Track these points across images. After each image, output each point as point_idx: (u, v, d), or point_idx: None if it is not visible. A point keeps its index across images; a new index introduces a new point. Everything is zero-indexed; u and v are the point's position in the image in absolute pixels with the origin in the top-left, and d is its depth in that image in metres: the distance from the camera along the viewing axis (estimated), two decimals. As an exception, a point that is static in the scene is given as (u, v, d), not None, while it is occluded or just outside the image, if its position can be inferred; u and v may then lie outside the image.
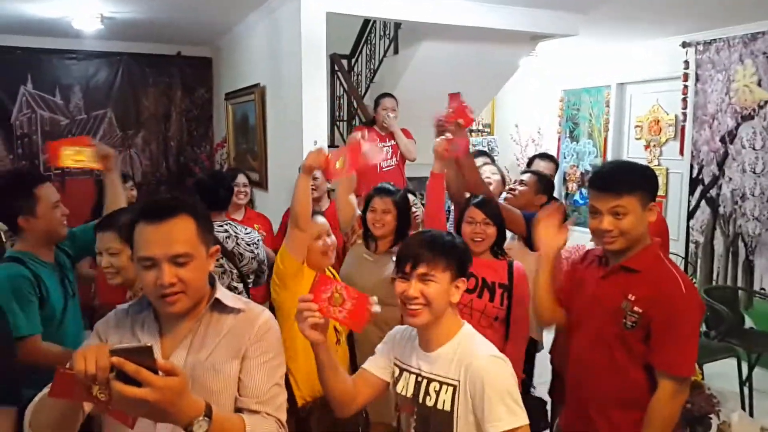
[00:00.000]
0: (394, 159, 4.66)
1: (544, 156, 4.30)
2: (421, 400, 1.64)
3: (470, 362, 1.58)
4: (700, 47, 5.12)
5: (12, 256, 2.20)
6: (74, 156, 2.37)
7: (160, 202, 1.43)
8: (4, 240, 3.24)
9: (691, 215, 5.33)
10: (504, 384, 1.54)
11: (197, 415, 1.17)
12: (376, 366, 1.77)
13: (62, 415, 1.21)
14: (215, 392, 1.37)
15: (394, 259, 2.75)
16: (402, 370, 1.72)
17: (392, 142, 4.63)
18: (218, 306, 1.45)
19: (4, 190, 2.24)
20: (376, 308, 1.51)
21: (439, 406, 1.60)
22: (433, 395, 1.62)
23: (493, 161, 3.94)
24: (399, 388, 1.70)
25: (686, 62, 5.23)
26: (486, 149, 6.82)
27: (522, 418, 1.52)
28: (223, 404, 1.36)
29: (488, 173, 3.76)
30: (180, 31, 5.67)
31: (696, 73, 5.18)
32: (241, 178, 3.72)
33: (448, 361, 1.61)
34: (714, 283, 5.08)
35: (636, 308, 1.86)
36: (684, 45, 5.22)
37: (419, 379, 1.66)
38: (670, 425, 1.85)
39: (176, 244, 1.33)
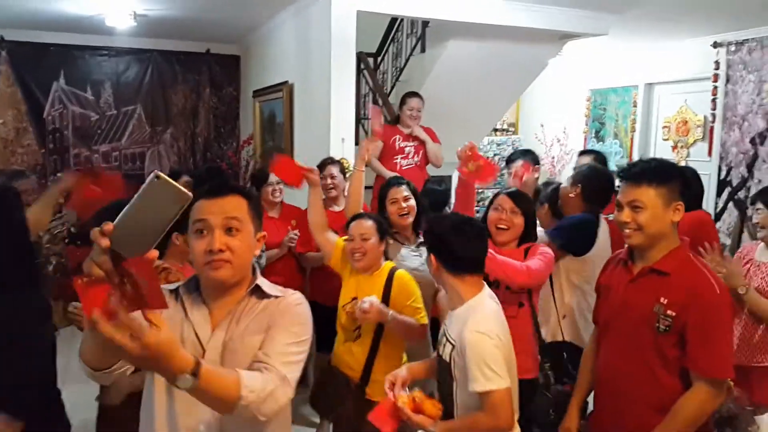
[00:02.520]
0: (416, 158, 4.66)
1: (586, 152, 4.32)
2: (440, 352, 2.04)
3: (462, 332, 1.89)
4: (732, 47, 5.07)
5: None
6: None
7: (219, 183, 1.56)
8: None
9: (718, 217, 5.28)
10: (482, 355, 1.83)
11: (184, 371, 1.16)
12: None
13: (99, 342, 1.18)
14: (243, 366, 1.42)
15: (423, 253, 2.90)
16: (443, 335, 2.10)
17: (415, 142, 4.64)
18: (257, 291, 1.53)
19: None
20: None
21: (443, 356, 1.99)
22: (442, 347, 2.02)
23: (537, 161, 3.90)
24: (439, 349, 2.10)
25: (717, 62, 5.18)
26: (511, 148, 6.84)
27: (497, 383, 1.81)
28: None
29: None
30: (209, 29, 5.74)
31: (727, 74, 5.12)
32: (274, 177, 3.75)
33: (456, 323, 1.96)
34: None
35: (669, 312, 1.83)
36: (715, 45, 5.17)
37: (444, 329, 2.07)
38: (692, 426, 1.82)
39: (228, 212, 1.45)
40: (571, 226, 2.94)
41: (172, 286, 1.56)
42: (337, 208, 3.61)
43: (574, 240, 2.90)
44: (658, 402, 1.87)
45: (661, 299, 1.85)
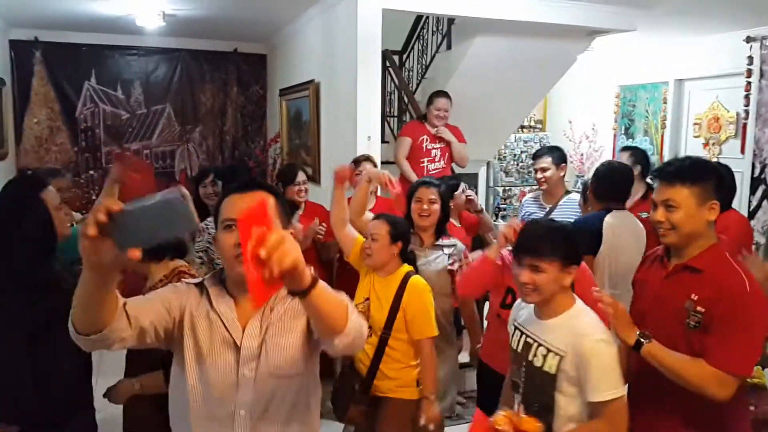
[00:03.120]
0: (442, 161, 4.66)
1: (626, 149, 4.28)
2: (530, 359, 1.94)
3: (577, 342, 1.83)
4: (766, 42, 4.95)
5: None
6: None
7: (246, 181, 1.64)
8: None
9: (752, 215, 5.17)
10: (610, 363, 1.80)
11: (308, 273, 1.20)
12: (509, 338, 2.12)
13: (90, 297, 1.23)
14: (286, 347, 1.50)
15: (444, 251, 2.89)
16: (516, 328, 2.06)
17: (441, 144, 4.62)
18: None
19: (10, 194, 2.35)
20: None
21: (546, 368, 1.88)
22: (540, 358, 1.91)
23: None
24: (512, 342, 2.05)
25: (750, 57, 5.06)
26: (538, 145, 6.79)
27: (622, 390, 1.80)
28: (295, 359, 1.50)
29: None
30: (237, 28, 5.80)
31: (761, 69, 5.01)
32: (301, 176, 3.79)
33: (559, 333, 1.88)
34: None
35: (699, 308, 1.82)
36: (748, 40, 5.06)
37: (529, 340, 1.96)
38: (694, 385, 1.80)
39: None
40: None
41: (197, 279, 1.60)
42: (373, 201, 3.65)
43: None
44: (691, 397, 1.85)
45: (692, 296, 1.84)
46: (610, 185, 3.14)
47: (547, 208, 3.89)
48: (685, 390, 1.84)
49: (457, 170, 4.85)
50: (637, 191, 3.84)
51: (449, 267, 2.95)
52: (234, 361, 1.48)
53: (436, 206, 2.98)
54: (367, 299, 2.68)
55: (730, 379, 1.76)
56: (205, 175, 4.01)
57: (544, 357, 1.89)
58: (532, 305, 1.99)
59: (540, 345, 1.92)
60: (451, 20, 5.20)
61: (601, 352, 1.80)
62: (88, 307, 1.24)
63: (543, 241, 1.91)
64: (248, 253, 1.07)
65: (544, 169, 3.94)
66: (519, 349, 2.00)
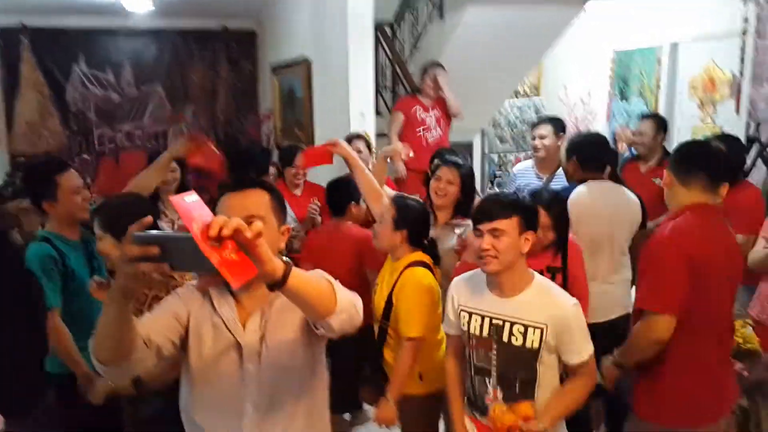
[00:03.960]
0: (438, 129, 4.65)
1: (647, 116, 4.25)
2: (505, 339, 1.92)
3: (556, 311, 1.89)
4: (762, 1, 4.89)
5: (42, 236, 2.45)
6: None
7: (241, 178, 1.65)
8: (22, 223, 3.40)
9: (746, 175, 5.17)
10: (584, 324, 1.94)
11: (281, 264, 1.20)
12: (453, 326, 2.09)
13: (113, 335, 1.27)
14: (286, 340, 1.53)
15: (456, 231, 2.84)
16: (471, 313, 2.00)
17: (436, 112, 4.60)
18: None
19: (29, 177, 2.55)
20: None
21: (527, 344, 1.89)
22: (519, 336, 1.90)
23: None
24: (471, 328, 1.98)
25: (746, 18, 5.01)
26: (533, 111, 6.77)
27: (592, 347, 1.94)
28: (295, 351, 1.53)
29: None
30: (225, 6, 5.72)
31: (756, 29, 4.96)
32: (300, 160, 3.76)
33: (533, 306, 1.90)
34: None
35: None
36: (744, 1, 5.00)
37: (497, 321, 1.93)
38: (634, 356, 2.10)
39: (251, 207, 1.49)
40: None
41: (196, 282, 1.62)
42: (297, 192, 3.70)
43: None
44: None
45: None
46: (583, 158, 3.04)
47: (544, 179, 3.88)
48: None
49: (453, 138, 4.85)
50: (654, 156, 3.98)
51: (456, 248, 2.87)
52: (237, 358, 1.52)
53: (453, 188, 2.85)
54: (378, 284, 2.58)
55: (647, 316, 2.00)
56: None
57: (523, 334, 1.89)
58: (481, 287, 1.99)
59: (514, 323, 1.90)
60: (442, -11, 5.12)
61: (578, 314, 1.92)
62: (114, 335, 1.26)
63: (499, 205, 1.93)
64: (198, 237, 1.04)
65: (542, 136, 3.91)
66: (484, 334, 1.95)
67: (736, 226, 2.63)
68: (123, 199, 2.32)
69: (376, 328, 2.55)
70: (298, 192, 3.82)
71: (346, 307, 1.37)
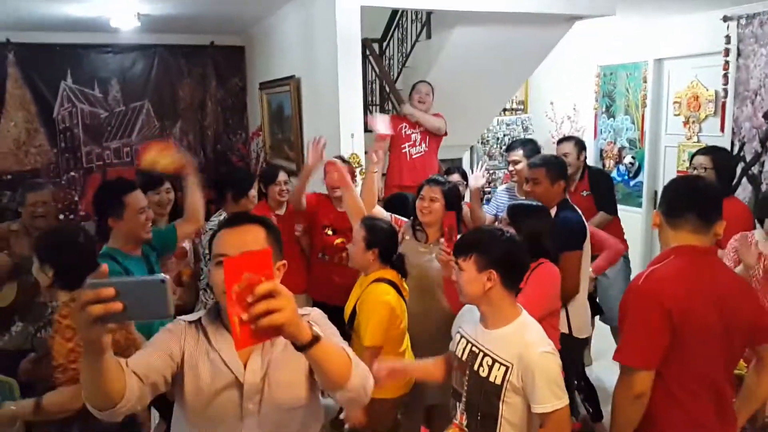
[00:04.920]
0: (424, 145, 4.68)
1: (564, 139, 4.36)
2: (475, 368, 1.94)
3: (523, 353, 1.85)
4: (743, 21, 4.97)
5: (105, 252, 2.61)
6: (153, 158, 2.79)
7: (238, 214, 1.67)
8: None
9: (732, 191, 5.24)
10: (552, 375, 1.84)
11: (308, 326, 1.24)
12: (452, 344, 2.14)
13: (98, 385, 1.25)
14: (289, 382, 1.53)
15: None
16: (461, 336, 2.06)
17: (421, 128, 4.65)
18: None
19: (99, 195, 2.72)
20: None
21: (491, 378, 1.89)
22: (486, 368, 1.92)
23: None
24: (457, 350, 2.05)
25: (728, 37, 5.08)
26: (521, 128, 6.81)
27: (564, 401, 1.84)
28: (298, 393, 1.54)
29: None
30: (213, 22, 5.72)
31: (738, 48, 5.03)
32: (282, 176, 3.79)
33: (505, 343, 1.90)
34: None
35: None
36: (725, 19, 5.07)
37: (474, 349, 1.97)
38: (619, 416, 1.94)
39: (248, 244, 1.49)
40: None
41: (193, 317, 1.61)
42: (341, 209, 3.61)
43: None
44: None
45: None
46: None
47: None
48: None
49: (443, 155, 4.88)
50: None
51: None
52: (237, 396, 1.51)
53: (437, 204, 3.00)
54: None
55: (624, 372, 1.90)
56: (159, 183, 3.66)
57: (490, 367, 1.91)
58: (478, 314, 2.02)
59: (486, 355, 1.94)
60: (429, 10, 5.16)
61: (544, 363, 1.84)
62: (99, 385, 1.24)
63: (463, 242, 2.02)
64: (233, 295, 1.08)
65: (515, 162, 4.04)
66: (463, 357, 2.01)
67: (725, 242, 2.69)
68: (61, 231, 2.52)
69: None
70: (281, 211, 3.82)
71: (355, 388, 1.39)
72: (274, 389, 1.51)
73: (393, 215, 3.26)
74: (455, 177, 3.97)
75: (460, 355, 2.03)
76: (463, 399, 2.00)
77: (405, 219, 3.26)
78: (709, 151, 3.54)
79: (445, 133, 4.70)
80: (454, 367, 2.07)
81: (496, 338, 1.93)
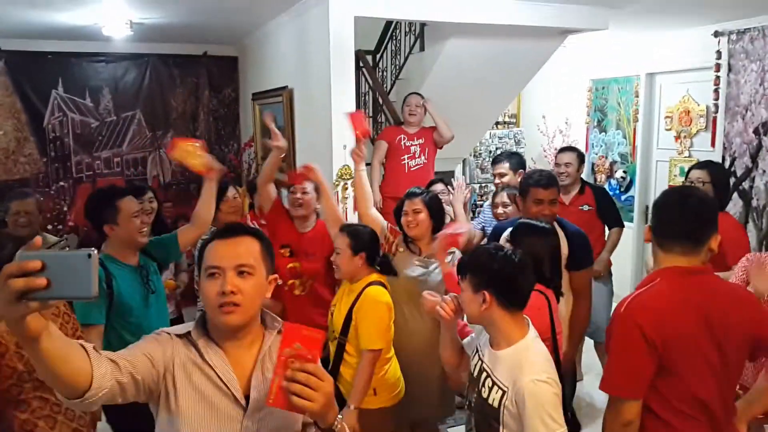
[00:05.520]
0: (423, 157, 4.68)
1: (566, 149, 4.34)
2: (479, 387, 1.91)
3: (518, 379, 1.78)
4: (734, 37, 5.02)
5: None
6: (187, 151, 2.77)
7: (232, 225, 1.62)
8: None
9: (722, 208, 5.25)
10: (544, 405, 1.73)
11: (336, 413, 1.32)
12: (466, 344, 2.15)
13: (51, 372, 1.17)
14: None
15: (446, 259, 2.90)
16: (477, 352, 2.02)
17: (420, 141, 4.65)
18: (281, 331, 1.57)
19: (92, 202, 2.71)
20: None
21: (489, 401, 1.85)
22: (486, 390, 1.88)
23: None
24: (471, 366, 2.02)
25: (718, 52, 5.12)
26: (513, 141, 6.82)
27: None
28: (298, 416, 1.50)
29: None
30: (206, 32, 5.70)
31: (729, 63, 5.07)
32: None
33: (505, 366, 1.84)
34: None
35: None
36: (716, 34, 5.12)
37: (482, 366, 1.93)
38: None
39: (242, 256, 1.48)
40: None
41: (182, 330, 1.56)
42: (303, 229, 3.42)
43: None
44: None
45: None
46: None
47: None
48: None
49: (436, 168, 4.88)
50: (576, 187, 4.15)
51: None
52: (235, 413, 1.46)
53: (422, 215, 3.01)
54: (335, 304, 2.80)
55: (612, 402, 1.87)
56: (142, 192, 3.76)
57: (490, 389, 1.87)
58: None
59: (489, 376, 1.89)
60: (423, 22, 5.18)
61: (537, 392, 1.74)
62: (51, 370, 1.15)
63: (462, 261, 2.01)
64: (282, 356, 1.23)
65: (501, 175, 4.05)
66: (475, 374, 1.99)
67: (719, 257, 2.67)
68: None
69: (332, 347, 2.72)
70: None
71: None
72: (273, 409, 1.45)
73: (389, 225, 3.25)
74: (438, 186, 3.97)
75: (472, 371, 2.00)
76: (472, 415, 1.99)
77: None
78: (706, 165, 3.55)
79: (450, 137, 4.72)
80: (469, 381, 2.04)
81: (498, 360, 1.88)
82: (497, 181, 4.11)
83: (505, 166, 4.08)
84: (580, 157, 4.23)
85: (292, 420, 1.50)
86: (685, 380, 1.83)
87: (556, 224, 2.86)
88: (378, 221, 3.14)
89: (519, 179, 3.87)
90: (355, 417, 2.57)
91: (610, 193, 6.28)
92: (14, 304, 0.98)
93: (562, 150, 4.34)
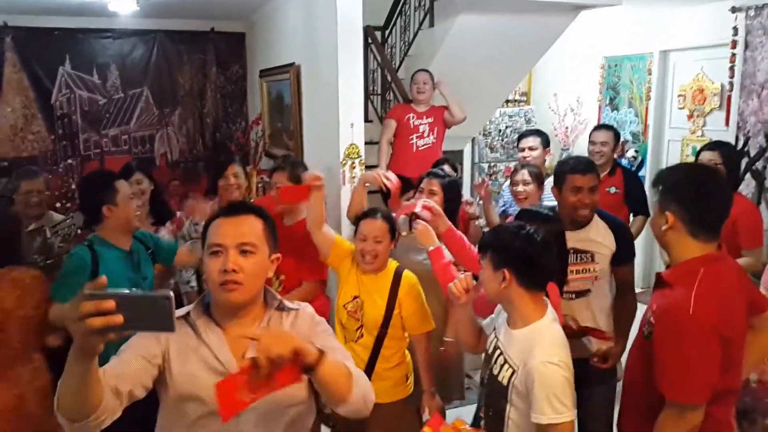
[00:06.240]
0: (432, 137, 4.62)
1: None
2: (491, 363, 1.93)
3: (528, 360, 1.77)
4: (751, 12, 4.89)
5: (89, 239, 2.61)
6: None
7: (235, 204, 1.65)
8: (48, 236, 3.37)
9: (735, 188, 5.17)
10: (553, 388, 1.72)
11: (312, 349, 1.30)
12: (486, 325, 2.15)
13: (79, 392, 1.23)
14: None
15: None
16: (494, 329, 2.04)
17: (429, 120, 4.58)
18: (281, 307, 1.61)
19: (91, 184, 2.73)
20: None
21: (499, 378, 1.86)
22: (498, 367, 1.89)
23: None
24: (487, 343, 2.03)
25: (735, 28, 5.01)
26: (523, 119, 6.74)
27: (566, 416, 1.72)
28: (297, 394, 1.51)
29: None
30: (213, 7, 5.64)
31: (745, 40, 4.96)
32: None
33: (517, 346, 1.84)
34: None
35: (652, 319, 1.83)
36: (733, 10, 4.99)
37: (497, 344, 1.94)
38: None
39: (244, 235, 1.50)
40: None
41: (183, 311, 1.56)
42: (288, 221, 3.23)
43: None
44: (644, 404, 1.88)
45: (654, 306, 1.86)
46: None
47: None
48: (641, 385, 1.90)
49: (445, 147, 4.82)
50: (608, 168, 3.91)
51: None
52: None
53: (436, 198, 2.94)
54: (356, 297, 2.63)
55: (680, 409, 1.72)
56: (129, 172, 3.52)
57: (501, 366, 1.88)
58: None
59: (501, 353, 1.91)
60: (433, -2, 5.09)
61: (546, 374, 1.73)
62: (80, 392, 1.21)
63: (483, 239, 2.00)
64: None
65: (532, 148, 3.92)
66: (489, 351, 2.00)
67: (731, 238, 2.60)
68: None
69: (368, 341, 2.58)
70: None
71: (356, 401, 1.40)
72: None
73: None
74: (445, 168, 3.91)
75: (487, 348, 2.02)
76: (484, 392, 2.01)
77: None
78: (717, 146, 3.46)
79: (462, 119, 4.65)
80: (483, 360, 2.05)
81: (512, 339, 1.88)
82: (525, 155, 3.97)
83: (537, 140, 3.95)
84: (617, 137, 4.10)
85: (292, 394, 1.49)
86: (731, 371, 1.77)
87: (596, 216, 2.67)
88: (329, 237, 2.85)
89: (545, 157, 3.79)
90: (437, 399, 2.63)
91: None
92: (91, 337, 1.08)
93: (598, 128, 4.19)
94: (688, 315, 1.70)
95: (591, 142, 4.09)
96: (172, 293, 1.10)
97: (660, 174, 1.94)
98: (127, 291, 1.09)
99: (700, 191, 1.80)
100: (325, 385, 1.33)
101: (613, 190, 4.04)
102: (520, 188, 3.67)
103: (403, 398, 2.64)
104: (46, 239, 3.27)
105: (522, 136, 4.33)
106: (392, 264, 2.67)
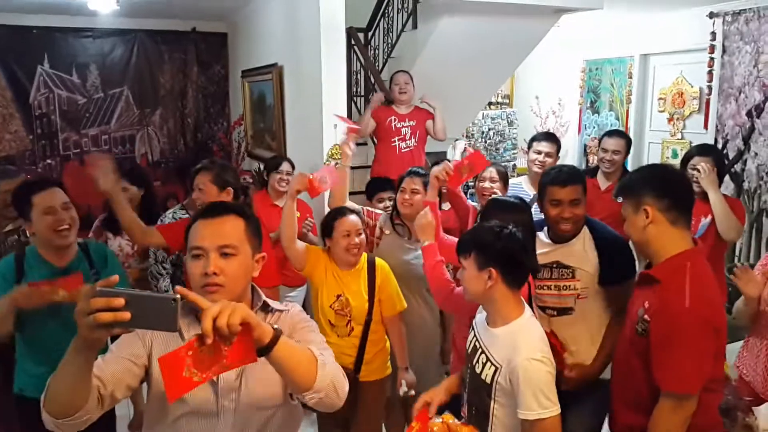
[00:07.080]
0: (413, 140, 4.60)
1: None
2: (473, 363, 1.93)
3: (512, 357, 1.78)
4: (728, 18, 4.97)
5: (27, 248, 2.38)
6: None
7: (216, 204, 1.59)
8: (27, 236, 3.31)
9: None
10: (538, 383, 1.74)
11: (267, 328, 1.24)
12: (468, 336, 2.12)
13: (72, 387, 1.24)
14: (266, 380, 1.47)
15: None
16: (472, 328, 2.04)
17: (412, 123, 4.57)
18: (265, 307, 1.58)
19: (14, 197, 2.43)
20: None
21: (482, 376, 1.87)
22: (479, 365, 1.90)
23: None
24: (467, 342, 2.03)
25: (713, 33, 5.09)
26: (506, 122, 6.78)
27: (552, 410, 1.74)
28: (275, 391, 1.49)
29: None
30: (194, 7, 5.60)
31: (723, 45, 5.04)
32: (285, 166, 3.81)
33: (499, 344, 1.85)
34: (737, 259, 5.03)
35: (646, 316, 1.85)
36: (711, 15, 5.07)
37: (477, 344, 1.95)
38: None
39: (225, 237, 1.47)
40: None
41: None
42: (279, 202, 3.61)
43: None
44: (638, 399, 1.91)
45: (645, 303, 1.87)
46: None
47: (531, 195, 3.71)
48: (630, 381, 1.94)
49: (427, 149, 4.81)
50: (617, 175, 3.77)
51: None
52: (212, 393, 1.46)
53: (419, 197, 2.94)
54: (340, 296, 2.67)
55: (677, 399, 1.76)
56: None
57: (483, 365, 1.89)
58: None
59: (483, 352, 1.91)
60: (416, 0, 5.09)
61: (531, 370, 1.74)
62: (74, 386, 1.23)
63: (463, 239, 1.99)
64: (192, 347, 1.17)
65: (549, 155, 3.68)
66: (469, 350, 2.01)
67: None
68: None
69: (359, 331, 2.67)
70: (279, 202, 3.72)
71: (324, 388, 1.33)
72: (251, 387, 1.46)
73: (365, 208, 3.20)
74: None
75: (467, 347, 2.02)
76: (466, 390, 2.01)
77: (378, 212, 3.21)
78: (708, 151, 3.34)
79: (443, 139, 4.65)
80: (465, 356, 2.06)
81: (493, 337, 1.89)
82: (540, 159, 3.59)
83: (553, 147, 3.63)
84: (629, 144, 3.87)
85: (271, 394, 1.49)
86: (719, 361, 1.84)
87: (587, 230, 2.44)
88: (352, 207, 2.93)
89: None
90: (410, 374, 2.76)
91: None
92: (99, 329, 1.10)
93: (611, 134, 3.90)
94: (685, 309, 1.75)
95: (602, 149, 3.82)
96: (179, 296, 1.12)
97: (621, 184, 2.06)
98: (137, 291, 1.12)
99: (667, 177, 1.95)
100: (285, 369, 1.27)
101: (620, 199, 3.89)
102: (487, 185, 3.54)
103: (383, 377, 2.78)
104: (21, 240, 3.21)
105: (535, 138, 4.00)
106: (364, 256, 2.75)
